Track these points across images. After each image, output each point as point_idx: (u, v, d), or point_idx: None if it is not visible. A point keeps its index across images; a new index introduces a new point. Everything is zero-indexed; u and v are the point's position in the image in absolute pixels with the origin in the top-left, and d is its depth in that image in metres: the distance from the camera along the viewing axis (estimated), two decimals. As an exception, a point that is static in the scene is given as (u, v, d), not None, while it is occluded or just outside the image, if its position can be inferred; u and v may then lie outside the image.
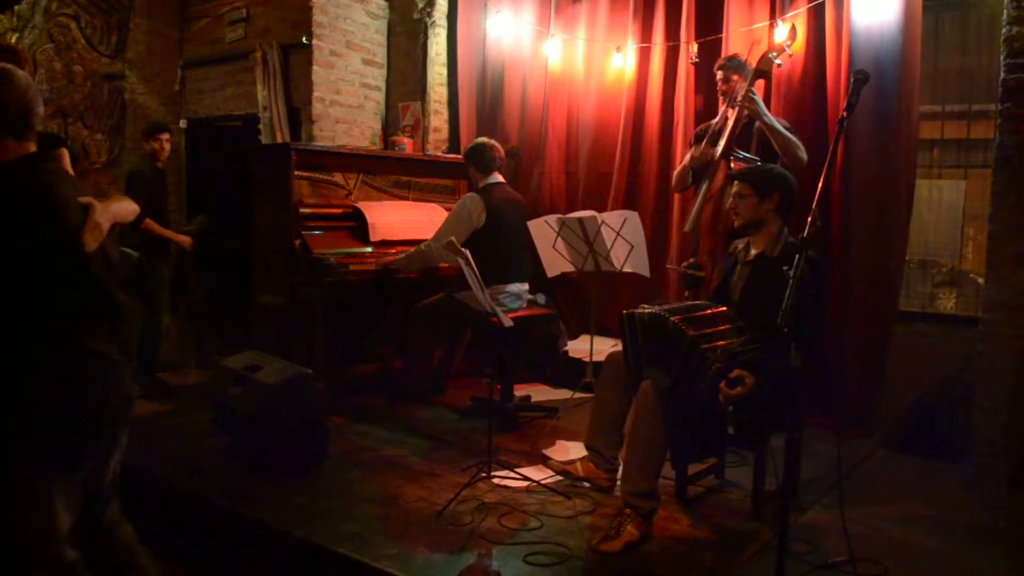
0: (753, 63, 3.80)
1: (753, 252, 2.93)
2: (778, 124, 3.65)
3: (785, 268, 2.14)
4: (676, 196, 4.55)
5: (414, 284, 4.43)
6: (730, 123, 3.71)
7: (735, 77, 3.81)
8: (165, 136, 4.81)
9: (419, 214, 4.70)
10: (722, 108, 3.93)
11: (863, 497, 3.07)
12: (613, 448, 3.06)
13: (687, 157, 3.94)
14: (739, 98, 3.70)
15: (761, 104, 3.69)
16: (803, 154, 3.62)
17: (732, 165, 3.68)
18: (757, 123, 3.70)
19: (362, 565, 2.44)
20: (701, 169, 3.81)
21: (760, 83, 4.31)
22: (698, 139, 4.04)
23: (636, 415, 2.72)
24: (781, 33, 4.10)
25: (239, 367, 3.43)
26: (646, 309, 2.81)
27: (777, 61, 3.76)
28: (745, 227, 2.95)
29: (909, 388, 3.94)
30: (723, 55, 4.24)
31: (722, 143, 3.70)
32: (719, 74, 3.90)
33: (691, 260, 3.82)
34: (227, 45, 6.00)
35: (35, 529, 1.81)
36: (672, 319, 2.68)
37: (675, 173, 4.10)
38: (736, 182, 2.96)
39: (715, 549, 2.61)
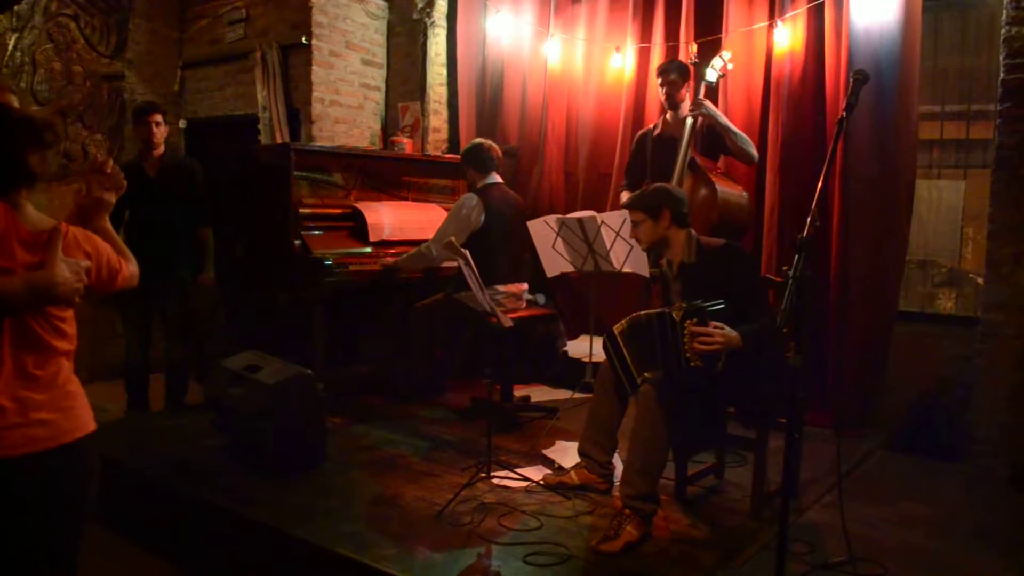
0: (691, 70, 4.06)
1: (675, 266, 3.01)
2: (732, 125, 3.90)
3: (785, 268, 2.15)
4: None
5: (414, 284, 4.43)
6: (686, 131, 3.88)
7: (679, 82, 4.00)
8: (156, 117, 4.11)
9: (418, 214, 4.69)
10: (665, 115, 4.12)
11: (863, 497, 3.07)
12: (606, 454, 3.07)
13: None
14: (687, 107, 3.93)
15: (712, 108, 3.86)
16: (755, 151, 3.92)
17: (698, 164, 3.87)
18: (700, 123, 3.90)
19: (362, 565, 2.44)
20: (665, 173, 3.93)
21: (761, 83, 4.35)
22: (641, 146, 4.21)
23: (637, 418, 2.72)
24: (783, 35, 4.12)
25: (238, 367, 3.42)
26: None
27: (715, 71, 3.94)
28: (652, 249, 3.07)
29: (909, 388, 3.95)
30: (724, 55, 4.26)
31: (681, 154, 3.86)
32: (659, 79, 4.08)
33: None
34: (227, 45, 6.00)
35: None
36: (643, 313, 2.81)
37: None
38: (630, 211, 3.06)
39: (715, 549, 2.61)
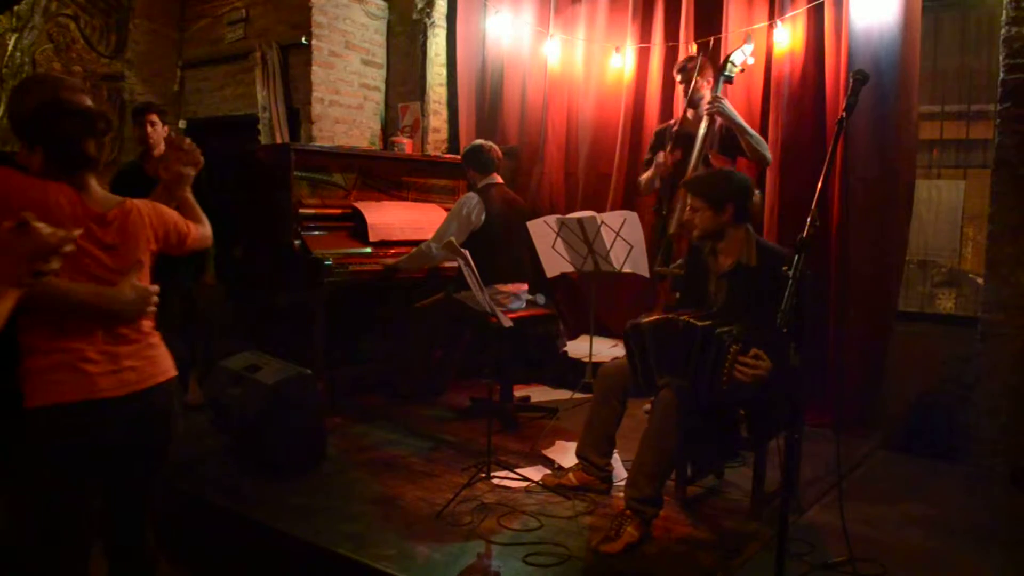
0: (714, 67, 3.99)
1: (726, 263, 2.87)
2: (747, 126, 3.84)
3: (785, 268, 2.13)
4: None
5: (414, 284, 4.43)
6: (702, 128, 3.83)
7: (698, 79, 3.95)
8: (152, 117, 3.96)
9: (418, 214, 4.69)
10: (686, 111, 4.07)
11: (863, 497, 3.08)
12: (604, 457, 3.06)
13: (651, 168, 4.08)
14: (706, 104, 3.87)
15: (728, 107, 3.81)
16: (768, 153, 3.87)
17: (712, 162, 3.82)
18: (719, 122, 3.86)
19: (362, 565, 2.44)
20: (679, 170, 3.89)
21: (761, 83, 4.35)
22: (659, 140, 4.17)
23: (652, 421, 2.69)
24: (783, 35, 4.12)
25: (238, 367, 3.42)
26: (648, 318, 2.79)
27: (735, 67, 3.89)
28: (704, 238, 2.90)
29: (909, 388, 3.95)
30: (722, 56, 4.26)
31: (696, 149, 3.82)
32: (679, 76, 4.04)
33: (679, 261, 3.85)
34: (226, 45, 6.00)
35: None
36: (682, 318, 2.69)
37: (643, 180, 4.19)
38: (690, 195, 2.91)
39: (715, 549, 2.61)
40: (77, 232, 1.54)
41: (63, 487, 1.78)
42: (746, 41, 3.98)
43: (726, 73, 3.87)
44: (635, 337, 2.78)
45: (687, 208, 2.97)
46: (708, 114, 3.83)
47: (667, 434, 2.64)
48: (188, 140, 2.18)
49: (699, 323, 2.65)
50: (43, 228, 1.47)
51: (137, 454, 1.92)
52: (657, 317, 2.77)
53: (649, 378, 2.78)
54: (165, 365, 1.97)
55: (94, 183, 1.84)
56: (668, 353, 2.72)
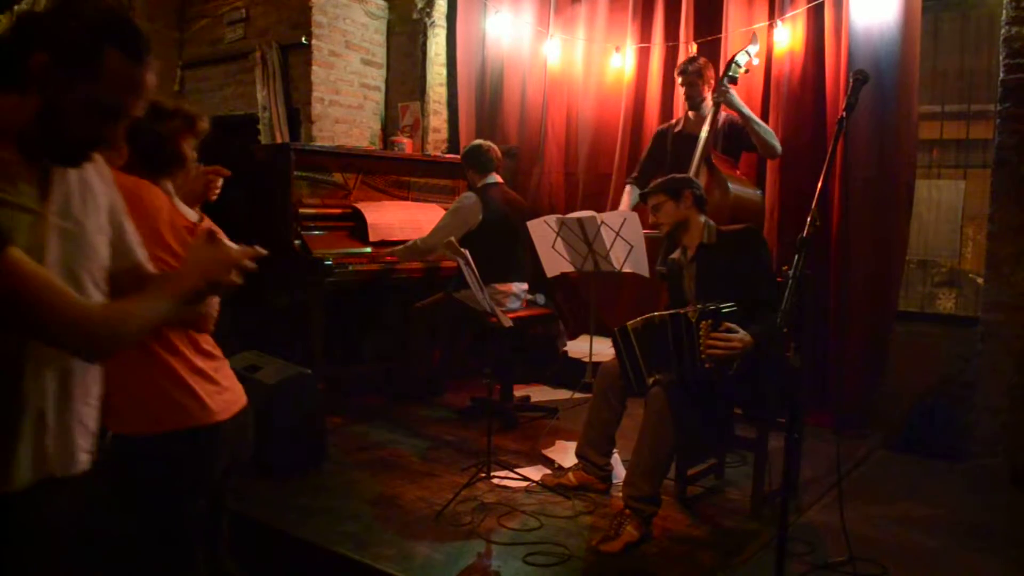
0: (721, 67, 3.97)
1: (691, 251, 2.99)
2: (754, 116, 3.80)
3: (785, 268, 2.14)
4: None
5: (414, 284, 4.43)
6: (705, 129, 3.80)
7: (699, 81, 3.93)
8: None
9: (418, 214, 4.69)
10: (687, 113, 4.05)
11: (863, 497, 3.08)
12: (604, 456, 3.07)
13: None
14: (710, 96, 3.85)
15: (735, 97, 3.76)
16: (777, 143, 3.81)
17: (714, 161, 3.78)
18: (722, 122, 3.84)
19: (362, 565, 2.44)
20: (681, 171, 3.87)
21: (761, 83, 4.34)
22: (659, 142, 4.15)
23: (645, 420, 2.71)
24: (783, 35, 4.12)
25: (238, 367, 3.41)
26: (634, 320, 2.86)
27: (740, 68, 3.84)
28: (673, 233, 3.04)
29: (909, 388, 3.94)
30: (723, 56, 4.26)
31: (699, 149, 3.78)
32: (680, 79, 4.02)
33: None
34: (226, 45, 6.00)
35: None
36: (657, 315, 2.78)
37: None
38: (650, 197, 3.06)
39: (715, 549, 2.61)
40: (263, 251, 1.47)
41: (181, 513, 1.75)
42: (752, 42, 3.95)
43: (730, 74, 3.82)
44: (623, 338, 2.85)
45: (650, 215, 3.11)
46: (715, 103, 3.78)
47: (661, 432, 2.65)
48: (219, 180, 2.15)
49: (667, 313, 2.75)
50: (228, 241, 1.43)
51: (224, 475, 1.88)
52: (642, 317, 2.84)
53: (640, 379, 2.83)
54: (241, 385, 1.90)
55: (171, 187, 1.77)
56: (654, 351, 2.78)
